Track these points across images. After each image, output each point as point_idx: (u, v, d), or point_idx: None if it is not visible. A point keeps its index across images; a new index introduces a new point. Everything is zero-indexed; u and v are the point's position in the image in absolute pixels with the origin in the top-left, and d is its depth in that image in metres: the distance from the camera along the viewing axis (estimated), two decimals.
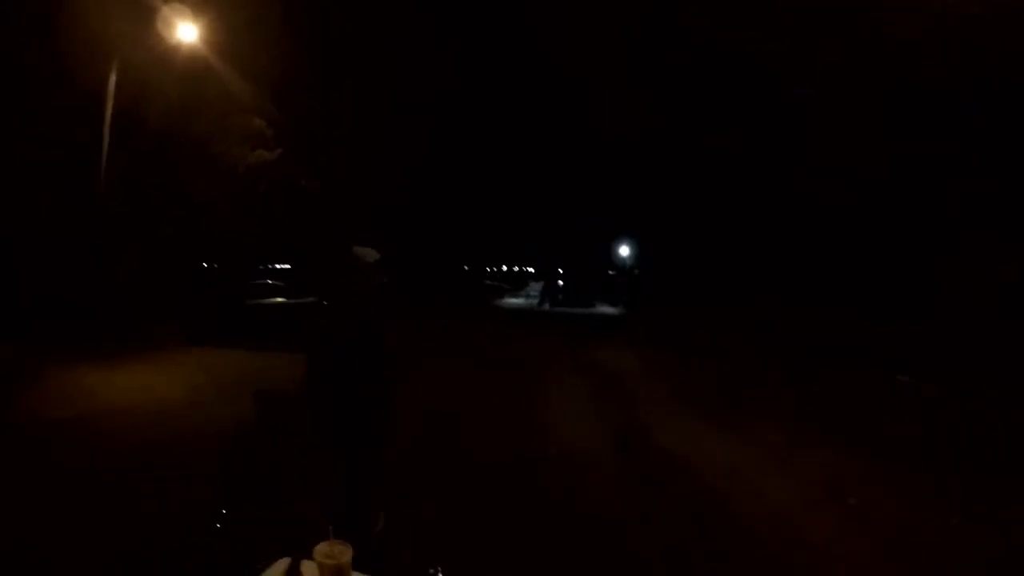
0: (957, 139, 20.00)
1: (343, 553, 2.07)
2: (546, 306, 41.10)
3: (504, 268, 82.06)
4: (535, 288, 61.70)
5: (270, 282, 14.76)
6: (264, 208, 17.52)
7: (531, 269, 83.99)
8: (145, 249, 16.43)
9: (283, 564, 2.18)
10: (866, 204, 24.25)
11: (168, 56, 13.58)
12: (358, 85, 23.10)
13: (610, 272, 54.03)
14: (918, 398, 11.49)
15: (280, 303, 13.88)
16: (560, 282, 49.38)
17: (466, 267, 62.65)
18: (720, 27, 26.79)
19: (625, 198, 40.94)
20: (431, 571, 2.17)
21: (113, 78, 13.07)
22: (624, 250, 45.67)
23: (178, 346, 12.72)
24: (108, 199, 13.17)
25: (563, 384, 11.79)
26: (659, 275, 37.22)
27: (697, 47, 28.55)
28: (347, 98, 21.25)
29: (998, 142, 19.23)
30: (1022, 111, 18.16)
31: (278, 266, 35.48)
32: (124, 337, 12.66)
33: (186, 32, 13.13)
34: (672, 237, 34.94)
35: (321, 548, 2.07)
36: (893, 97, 21.84)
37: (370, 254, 3.38)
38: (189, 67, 14.27)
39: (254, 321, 13.32)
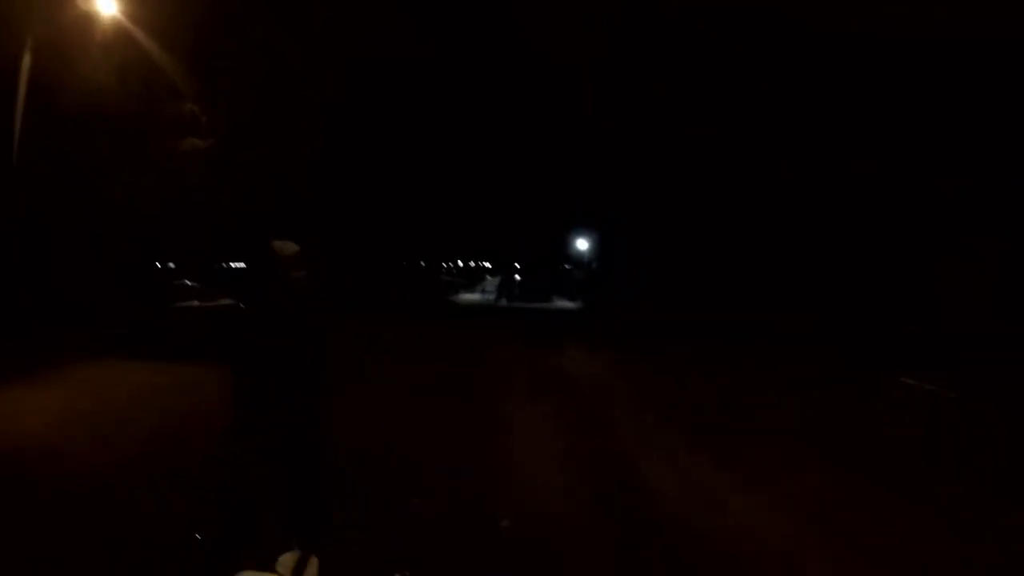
0: (949, 129, 19.92)
1: (311, 564, 2.11)
2: (503, 302, 40.57)
3: (460, 264, 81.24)
4: (491, 283, 61.28)
5: (188, 283, 13.19)
6: (192, 200, 16.32)
7: (487, 264, 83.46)
8: (69, 244, 15.16)
9: None
10: (857, 196, 23.95)
11: (88, 30, 12.38)
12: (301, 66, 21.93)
13: (566, 267, 53.79)
14: (931, 401, 10.61)
15: (194, 307, 12.31)
16: (517, 277, 48.97)
17: (422, 263, 61.85)
18: (701, 15, 26.28)
19: (583, 189, 40.39)
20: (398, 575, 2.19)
21: (28, 57, 11.90)
22: (582, 244, 45.30)
23: (88, 358, 10.80)
24: (22, 186, 11.96)
25: (520, 409, 8.91)
26: (620, 269, 36.56)
27: (679, 35, 27.83)
28: (290, 80, 19.94)
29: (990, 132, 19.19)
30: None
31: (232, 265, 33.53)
32: (28, 348, 11.19)
33: (106, 3, 11.96)
34: (637, 229, 34.11)
35: (285, 560, 2.11)
36: (882, 85, 21.73)
37: (287, 247, 3.15)
38: (113, 45, 13.08)
39: (177, 327, 11.90)
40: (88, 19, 12.48)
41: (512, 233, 55.22)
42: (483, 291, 54.73)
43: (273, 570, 2.09)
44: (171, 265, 21.36)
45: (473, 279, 71.78)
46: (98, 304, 13.28)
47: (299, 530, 2.35)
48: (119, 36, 12.87)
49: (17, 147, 11.83)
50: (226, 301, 11.67)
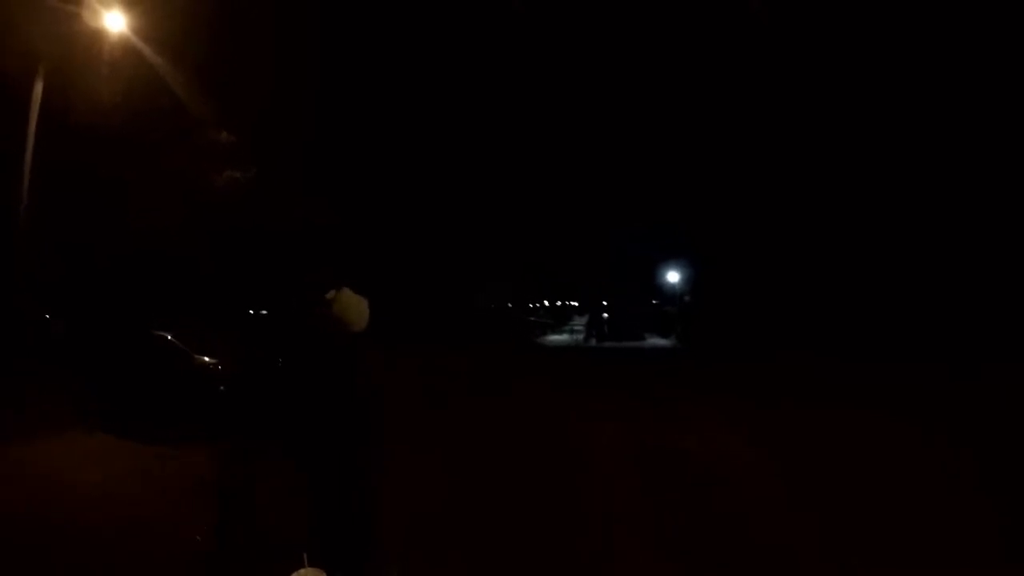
0: None
1: None
2: (592, 341, 37.97)
3: (547, 303, 79.16)
4: (580, 322, 58.71)
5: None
6: (235, 240, 14.94)
7: (575, 303, 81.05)
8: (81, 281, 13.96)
9: None
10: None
11: (102, 53, 11.15)
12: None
13: (654, 302, 50.69)
14: None
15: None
16: (605, 315, 46.26)
17: (509, 304, 60.19)
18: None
19: (671, 219, 37.60)
20: None
21: (39, 84, 10.79)
22: (673, 276, 42.18)
23: (50, 427, 7.90)
24: (30, 219, 10.66)
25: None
26: (718, 303, 32.99)
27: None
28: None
29: None
30: None
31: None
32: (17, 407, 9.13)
33: (116, 22, 10.71)
34: (736, 258, 30.53)
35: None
36: None
37: (354, 304, 3.28)
38: (134, 68, 11.86)
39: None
40: (111, 44, 11.32)
41: (598, 269, 52.77)
42: (571, 331, 52.37)
43: None
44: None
45: (560, 319, 69.45)
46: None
47: (312, 548, 2.44)
48: (138, 58, 11.64)
49: (27, 178, 10.61)
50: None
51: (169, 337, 8.71)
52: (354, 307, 3.30)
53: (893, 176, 23.86)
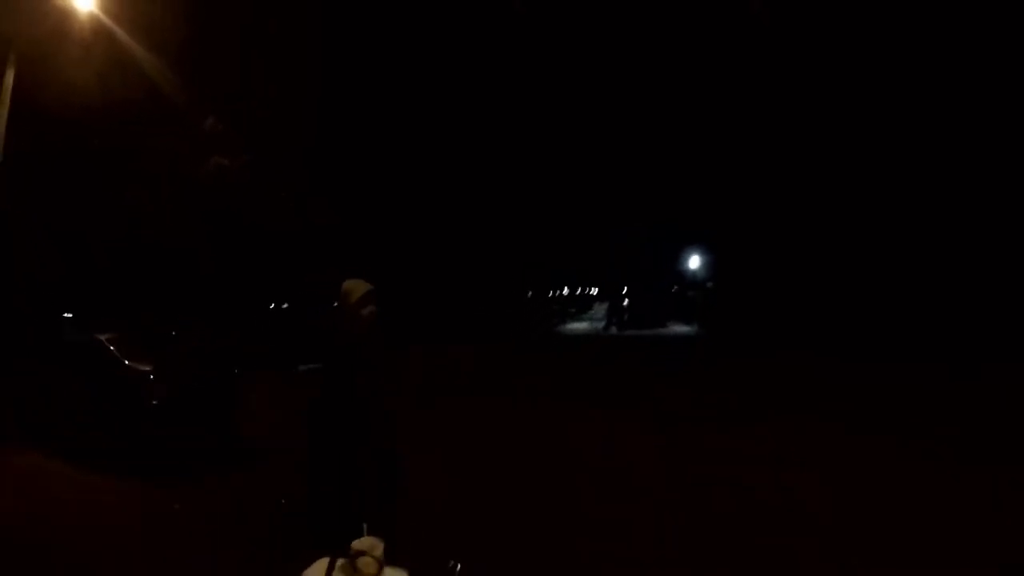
0: None
1: (375, 548, 2.21)
2: (612, 330, 36.95)
3: (567, 291, 78.41)
4: (600, 310, 57.72)
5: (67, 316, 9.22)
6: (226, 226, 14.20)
7: (595, 290, 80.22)
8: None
9: (322, 563, 2.26)
10: None
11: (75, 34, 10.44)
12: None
13: (675, 288, 49.58)
14: None
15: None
16: (626, 302, 45.17)
17: (529, 292, 59.43)
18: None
19: (692, 201, 36.36)
20: (451, 564, 2.45)
21: (11, 72, 10.12)
22: (695, 261, 41.01)
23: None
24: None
25: None
26: (742, 288, 31.81)
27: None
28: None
29: None
30: None
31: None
32: None
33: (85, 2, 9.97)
34: (761, 241, 29.34)
35: (356, 544, 2.21)
36: None
37: (358, 286, 3.41)
38: (113, 55, 11.15)
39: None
40: (85, 28, 10.65)
41: (618, 255, 51.74)
42: (591, 319, 51.44)
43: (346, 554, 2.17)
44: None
45: (581, 306, 68.60)
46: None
47: (369, 515, 2.59)
48: (118, 44, 10.93)
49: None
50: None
51: (103, 340, 7.20)
52: (351, 290, 3.41)
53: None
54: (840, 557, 4.53)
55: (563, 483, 6.20)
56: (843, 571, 4.38)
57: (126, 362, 7.09)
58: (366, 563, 2.18)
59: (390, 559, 2.27)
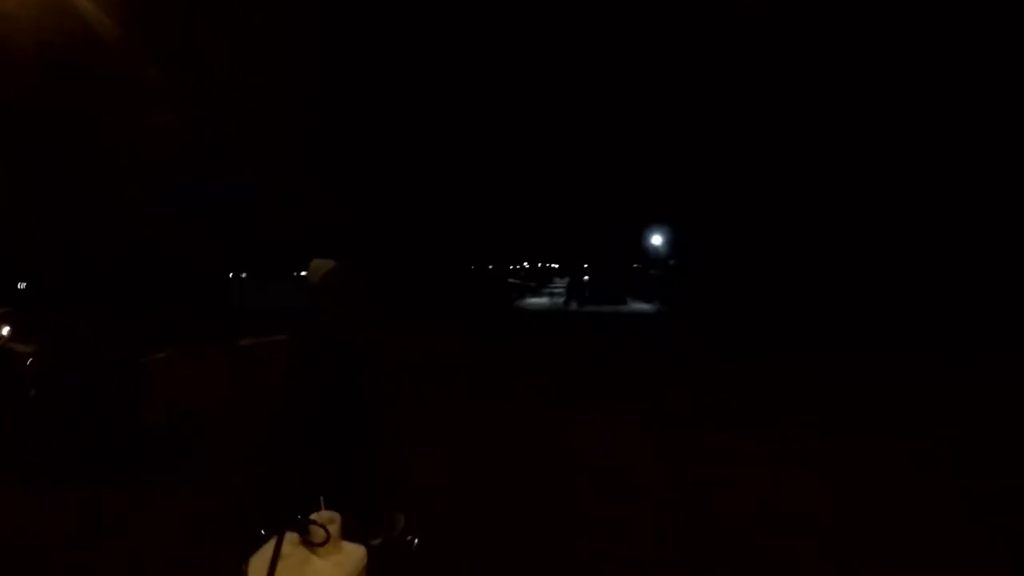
0: None
1: (332, 521, 2.15)
2: (572, 305, 37.05)
3: (527, 265, 78.33)
4: (560, 285, 57.85)
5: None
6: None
7: (555, 265, 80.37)
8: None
9: (273, 541, 2.15)
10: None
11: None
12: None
13: (635, 265, 49.93)
14: None
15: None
16: (586, 278, 45.30)
17: (489, 266, 59.09)
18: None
19: (654, 178, 36.43)
20: (409, 538, 2.56)
21: None
22: (656, 239, 41.21)
23: None
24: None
25: None
26: (704, 267, 32.08)
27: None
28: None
29: None
30: None
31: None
32: None
33: None
34: (724, 221, 29.51)
35: (313, 516, 2.15)
36: None
37: (323, 264, 3.25)
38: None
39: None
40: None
41: (580, 230, 51.78)
42: (551, 294, 51.56)
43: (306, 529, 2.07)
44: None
45: (542, 281, 68.64)
46: None
47: (328, 491, 2.38)
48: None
49: None
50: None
51: None
52: (315, 268, 3.28)
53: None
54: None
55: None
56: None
57: (9, 344, 6.35)
58: (316, 532, 2.12)
59: (358, 536, 2.24)
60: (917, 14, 21.34)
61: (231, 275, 28.07)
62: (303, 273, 3.40)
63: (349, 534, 2.23)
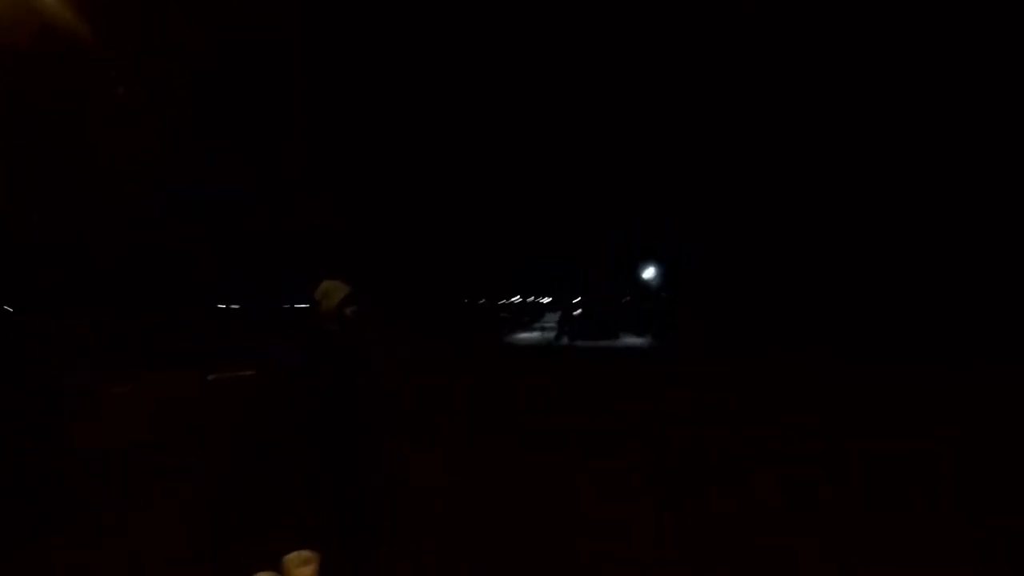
0: None
1: (308, 561, 2.27)
2: (564, 340, 36.94)
3: (518, 300, 78.37)
4: (551, 319, 57.77)
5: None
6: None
7: (546, 300, 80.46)
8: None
9: None
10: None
11: None
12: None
13: (627, 299, 50.01)
14: None
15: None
16: (577, 312, 45.29)
17: (480, 301, 59.06)
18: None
19: (646, 213, 36.81)
20: None
21: None
22: (649, 272, 41.45)
23: None
24: None
25: None
26: (696, 300, 32.15)
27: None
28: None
29: None
30: None
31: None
32: None
33: None
34: (716, 254, 29.64)
35: (290, 559, 2.27)
36: None
37: (338, 289, 3.37)
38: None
39: None
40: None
41: (571, 265, 52.04)
42: (542, 329, 51.42)
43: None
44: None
45: (533, 316, 68.60)
46: None
47: (311, 530, 2.48)
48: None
49: None
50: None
51: None
52: (331, 291, 3.37)
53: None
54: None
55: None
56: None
57: None
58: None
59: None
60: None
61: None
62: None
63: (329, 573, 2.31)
